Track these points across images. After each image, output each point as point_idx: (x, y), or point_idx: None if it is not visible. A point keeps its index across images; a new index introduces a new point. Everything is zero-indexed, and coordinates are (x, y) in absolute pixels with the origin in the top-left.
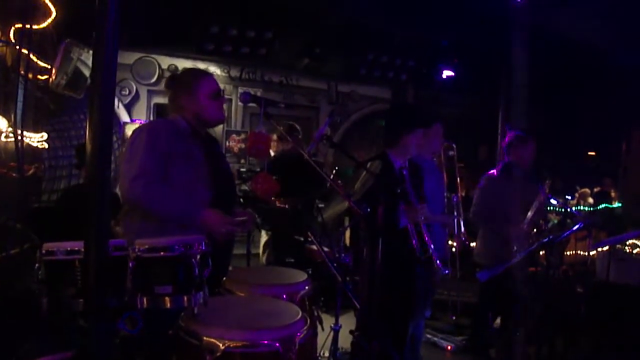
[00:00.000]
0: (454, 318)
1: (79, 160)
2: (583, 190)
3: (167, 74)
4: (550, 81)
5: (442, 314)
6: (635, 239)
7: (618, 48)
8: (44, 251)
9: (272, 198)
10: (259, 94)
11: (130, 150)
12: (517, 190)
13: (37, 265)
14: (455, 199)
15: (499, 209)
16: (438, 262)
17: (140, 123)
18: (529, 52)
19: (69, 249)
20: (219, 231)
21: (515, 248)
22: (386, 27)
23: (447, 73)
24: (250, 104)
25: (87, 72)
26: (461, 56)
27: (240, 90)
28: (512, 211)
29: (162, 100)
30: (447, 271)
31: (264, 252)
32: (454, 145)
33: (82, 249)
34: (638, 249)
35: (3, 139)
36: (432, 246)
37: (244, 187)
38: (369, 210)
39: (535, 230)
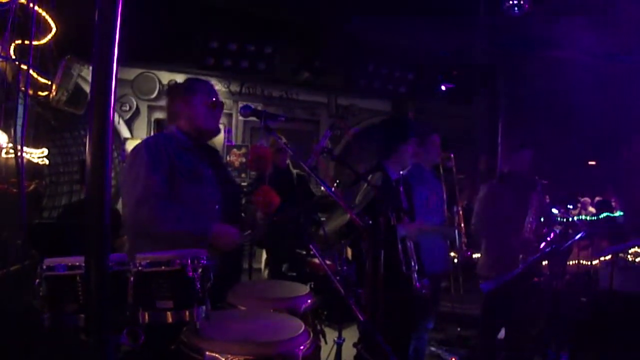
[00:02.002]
0: (459, 330)
1: (82, 175)
2: (584, 199)
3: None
4: (548, 90)
5: (446, 326)
6: (638, 247)
7: (616, 53)
8: (44, 266)
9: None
10: (259, 108)
11: (131, 171)
12: (516, 199)
13: (37, 281)
14: (456, 210)
15: (499, 219)
16: (417, 283)
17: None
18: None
19: (69, 264)
20: (230, 245)
21: (520, 257)
22: (385, 39)
23: (446, 85)
24: (251, 118)
25: (87, 88)
26: (460, 68)
27: (240, 104)
28: (512, 220)
29: (162, 115)
30: (424, 291)
31: (265, 266)
32: (452, 156)
33: (83, 264)
34: None
35: (4, 155)
36: (417, 266)
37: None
38: (370, 222)
39: (538, 238)
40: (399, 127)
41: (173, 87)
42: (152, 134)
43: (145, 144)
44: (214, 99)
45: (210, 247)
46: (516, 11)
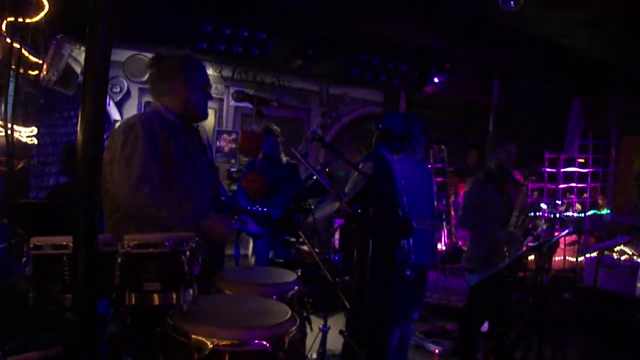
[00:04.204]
0: (443, 321)
1: (66, 161)
2: (571, 196)
3: None
4: (539, 88)
5: (431, 317)
6: (623, 245)
7: (608, 53)
8: (31, 245)
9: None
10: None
11: (125, 151)
12: (502, 194)
13: (24, 259)
14: (444, 203)
15: (485, 213)
16: (408, 272)
17: None
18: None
19: (56, 243)
20: (224, 236)
21: (505, 251)
22: (379, 30)
23: (439, 78)
24: (242, 104)
25: (78, 69)
26: (454, 61)
27: (232, 89)
28: (498, 215)
29: None
30: (412, 279)
31: (252, 253)
32: (444, 147)
33: (70, 244)
34: (626, 256)
35: None
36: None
37: (234, 187)
38: (359, 211)
39: (524, 234)
40: (415, 121)
41: (166, 59)
42: None
43: (140, 124)
44: (207, 83)
45: (203, 236)
46: (512, 4)
